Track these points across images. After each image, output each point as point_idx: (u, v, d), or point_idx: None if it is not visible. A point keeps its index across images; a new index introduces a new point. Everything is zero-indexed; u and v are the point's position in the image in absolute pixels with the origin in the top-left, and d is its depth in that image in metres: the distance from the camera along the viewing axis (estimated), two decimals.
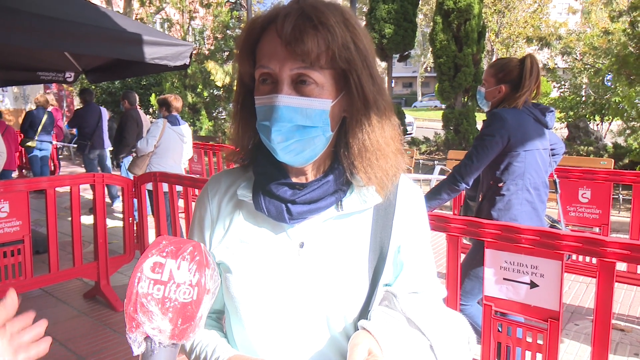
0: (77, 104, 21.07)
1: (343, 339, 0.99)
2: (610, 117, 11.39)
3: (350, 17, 0.94)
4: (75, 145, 9.06)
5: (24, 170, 11.46)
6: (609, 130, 11.99)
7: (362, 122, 0.96)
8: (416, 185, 1.12)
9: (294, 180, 1.01)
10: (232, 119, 1.08)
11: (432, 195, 2.77)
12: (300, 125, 0.91)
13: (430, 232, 2.66)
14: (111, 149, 8.02)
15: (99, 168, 8.23)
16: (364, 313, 0.98)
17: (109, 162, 8.41)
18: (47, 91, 15.15)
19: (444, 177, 2.83)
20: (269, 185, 0.99)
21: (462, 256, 2.72)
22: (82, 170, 12.43)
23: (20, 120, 9.17)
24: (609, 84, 11.62)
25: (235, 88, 1.06)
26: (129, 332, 0.71)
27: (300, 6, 0.91)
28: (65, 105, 21.38)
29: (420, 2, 16.78)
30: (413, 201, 1.09)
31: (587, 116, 11.54)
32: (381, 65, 16.68)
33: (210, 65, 13.24)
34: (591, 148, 10.16)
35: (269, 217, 0.99)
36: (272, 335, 1.00)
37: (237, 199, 1.05)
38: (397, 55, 15.16)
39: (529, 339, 2.33)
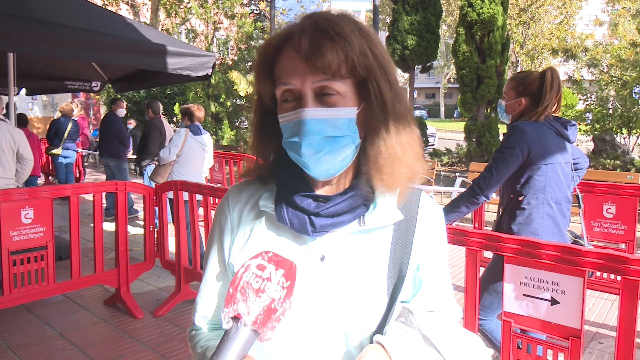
0: (103, 112, 21.49)
1: (358, 353, 0.98)
2: (638, 130, 11.16)
3: (362, 25, 0.95)
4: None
5: (50, 177, 11.69)
6: (637, 144, 11.75)
7: (379, 128, 0.96)
8: (437, 203, 1.11)
9: (318, 192, 1.01)
10: (251, 138, 1.09)
11: (452, 208, 2.74)
12: (329, 136, 0.91)
13: (449, 246, 2.63)
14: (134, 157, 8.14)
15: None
16: (381, 329, 0.98)
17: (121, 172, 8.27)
18: (74, 100, 15.47)
19: (465, 189, 2.80)
20: (293, 197, 0.98)
21: (481, 270, 2.69)
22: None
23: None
24: (637, 96, 11.41)
25: (253, 108, 1.07)
26: (225, 307, 0.83)
27: (313, 20, 0.92)
28: (91, 113, 21.80)
29: (443, 14, 16.76)
30: (434, 220, 1.08)
31: (613, 129, 11.33)
32: (404, 76, 16.64)
33: (234, 75, 13.39)
34: (618, 162, 9.97)
35: (291, 229, 0.98)
36: (288, 348, 0.99)
37: (258, 209, 1.05)
38: (420, 67, 15.13)
39: (550, 358, 2.28)
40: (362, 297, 0.98)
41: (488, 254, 3.45)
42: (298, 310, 0.97)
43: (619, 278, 2.03)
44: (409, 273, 1.02)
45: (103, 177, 13.02)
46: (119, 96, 9.43)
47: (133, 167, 11.92)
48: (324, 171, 0.95)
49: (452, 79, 40.82)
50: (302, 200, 0.98)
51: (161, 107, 7.60)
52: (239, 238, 1.05)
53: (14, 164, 4.75)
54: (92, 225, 4.44)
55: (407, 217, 1.02)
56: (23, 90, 8.26)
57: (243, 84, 13.56)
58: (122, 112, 8.09)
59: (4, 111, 5.06)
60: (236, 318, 0.83)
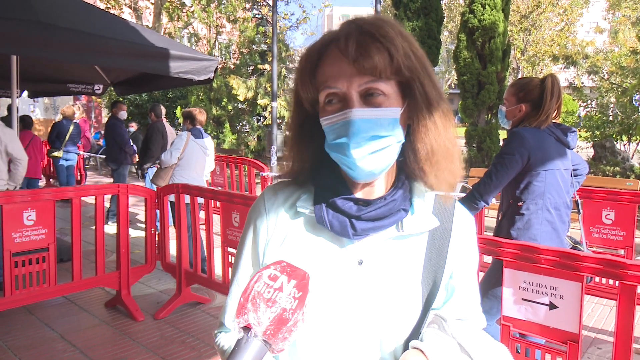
0: (105, 115, 21.52)
1: (392, 359, 0.99)
2: (637, 137, 11.18)
3: (402, 29, 0.97)
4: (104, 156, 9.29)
5: (51, 180, 11.71)
6: (637, 151, 11.77)
7: (429, 127, 0.97)
8: (469, 213, 1.12)
9: (359, 196, 1.02)
10: (288, 143, 1.09)
11: None
12: (376, 135, 0.93)
13: None
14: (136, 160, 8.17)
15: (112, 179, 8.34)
16: (414, 336, 0.98)
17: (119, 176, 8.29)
18: (76, 102, 15.50)
19: (465, 194, 2.82)
20: (334, 199, 0.99)
21: (481, 275, 2.70)
22: (108, 180, 12.68)
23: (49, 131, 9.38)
24: (637, 103, 11.44)
25: (291, 114, 1.08)
26: (235, 317, 0.84)
27: (357, 25, 0.94)
28: (93, 116, 21.83)
29: (445, 20, 16.80)
30: (468, 229, 1.09)
31: (613, 136, 11.35)
32: None
33: (234, 80, 13.41)
34: (617, 168, 9.98)
35: (331, 231, 0.99)
36: (323, 352, 0.99)
37: (295, 210, 1.05)
38: None
39: None
40: (398, 303, 0.98)
41: (487, 259, 3.47)
42: (334, 313, 0.97)
43: (617, 283, 2.05)
44: (443, 280, 1.02)
45: (104, 179, 13.07)
46: (120, 99, 9.43)
47: (135, 170, 11.95)
48: (369, 171, 0.95)
49: (453, 85, 40.80)
50: (343, 203, 0.98)
51: (164, 110, 7.63)
52: (274, 238, 1.05)
53: (5, 164, 4.76)
54: (93, 227, 4.46)
55: (442, 225, 1.03)
56: (25, 93, 8.27)
57: (242, 89, 13.58)
58: (123, 114, 8.11)
59: None
60: (247, 328, 0.84)
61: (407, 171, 1.02)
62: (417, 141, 0.98)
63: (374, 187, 1.02)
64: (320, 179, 1.04)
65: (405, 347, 0.97)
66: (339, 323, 0.97)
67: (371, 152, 0.93)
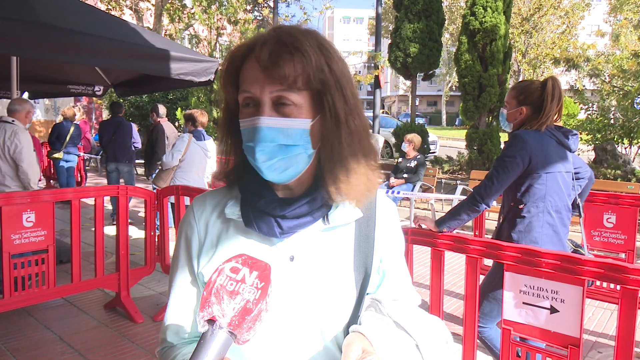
0: (105, 116, 21.53)
1: (334, 347, 1.03)
2: (639, 140, 11.17)
3: (324, 42, 1.00)
4: (100, 157, 9.27)
5: (51, 181, 11.71)
6: (638, 154, 11.76)
7: (333, 141, 1.00)
8: (391, 201, 1.19)
9: (281, 196, 1.06)
10: (219, 141, 1.13)
11: (452, 216, 2.74)
12: (282, 144, 0.96)
13: (449, 253, 2.62)
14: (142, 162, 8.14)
15: (122, 181, 8.28)
16: (353, 321, 1.03)
17: (128, 177, 8.20)
18: (76, 104, 15.51)
19: (466, 197, 2.81)
20: (259, 202, 1.03)
21: (481, 278, 2.69)
22: None
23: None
24: (639, 107, 11.43)
25: (221, 113, 1.11)
26: (199, 311, 0.85)
27: (276, 33, 0.97)
28: (94, 117, 21.85)
29: (446, 22, 16.80)
30: (390, 215, 1.16)
31: (615, 139, 11.34)
32: (406, 83, 16.67)
33: None
34: (619, 172, 9.96)
35: (259, 233, 1.02)
36: (266, 349, 1.02)
37: (224, 217, 1.09)
38: (422, 74, 15.17)
39: None
40: (334, 292, 1.03)
41: (488, 262, 3.45)
42: (273, 311, 1.00)
43: (618, 287, 2.04)
44: (374, 265, 1.08)
45: (104, 181, 13.05)
46: (120, 100, 9.44)
47: (138, 171, 11.93)
48: (277, 177, 1.00)
49: (454, 87, 40.90)
50: (267, 204, 1.02)
51: (165, 110, 7.61)
52: (207, 247, 1.08)
53: (12, 168, 4.80)
54: (93, 229, 4.45)
55: (366, 214, 1.09)
56: (26, 94, 8.29)
57: None
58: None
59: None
60: (212, 321, 0.84)
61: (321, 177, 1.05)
62: (322, 153, 1.02)
63: (294, 187, 1.06)
64: (245, 183, 1.07)
65: (346, 333, 1.01)
66: (279, 319, 1.01)
67: (277, 160, 0.97)
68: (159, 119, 7.28)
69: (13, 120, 4.82)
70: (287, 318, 1.01)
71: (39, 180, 5.13)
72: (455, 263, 5.60)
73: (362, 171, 1.03)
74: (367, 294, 1.08)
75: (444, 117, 47.32)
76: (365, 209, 1.08)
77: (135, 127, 8.56)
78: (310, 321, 1.01)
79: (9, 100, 5.12)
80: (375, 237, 1.09)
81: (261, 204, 1.02)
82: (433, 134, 19.80)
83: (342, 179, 1.01)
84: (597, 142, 11.43)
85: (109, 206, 7.66)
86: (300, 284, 1.02)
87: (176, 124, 15.08)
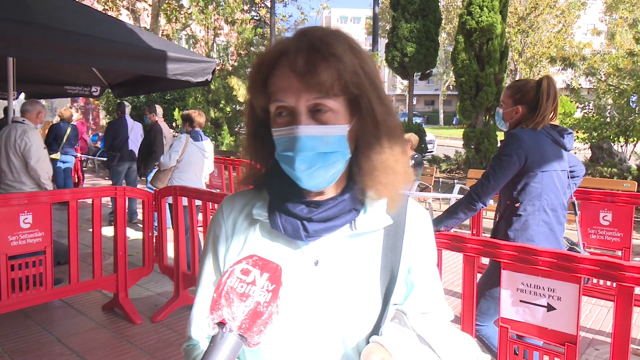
0: (102, 117, 21.49)
1: (355, 355, 1.00)
2: (635, 138, 11.20)
3: (354, 43, 0.98)
4: (104, 158, 9.24)
5: None
6: (634, 152, 11.79)
7: (373, 143, 0.99)
8: (424, 208, 1.15)
9: (310, 199, 1.03)
10: (244, 147, 1.12)
11: (449, 215, 2.75)
12: (321, 152, 0.94)
13: (446, 252, 2.63)
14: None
15: (124, 181, 8.28)
16: (376, 331, 1.00)
17: (135, 176, 8.28)
18: (73, 105, 15.46)
19: (463, 196, 2.82)
20: (286, 204, 1.01)
21: (479, 276, 2.70)
22: (105, 182, 12.65)
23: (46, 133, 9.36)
24: (634, 105, 11.45)
25: (246, 120, 1.09)
26: (209, 314, 0.84)
27: (308, 39, 0.95)
28: (90, 118, 21.80)
29: (442, 21, 16.83)
30: (421, 223, 1.12)
31: (611, 137, 11.37)
32: (403, 82, 16.68)
33: (234, 81, 13.39)
34: (615, 170, 9.99)
35: (285, 235, 1.01)
36: (286, 352, 1.01)
37: (252, 218, 1.08)
38: (419, 74, 15.18)
39: None
40: (357, 300, 1.00)
41: (485, 260, 3.47)
42: (294, 314, 0.99)
43: (614, 285, 2.05)
44: (400, 275, 1.05)
45: (102, 182, 13.03)
46: (119, 101, 9.43)
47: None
48: (316, 185, 0.98)
49: (451, 86, 40.90)
50: (295, 206, 1.01)
51: (161, 110, 7.59)
52: (233, 247, 1.08)
53: (23, 167, 4.90)
54: (90, 230, 4.45)
55: (396, 222, 1.06)
56: (22, 95, 8.26)
57: (242, 90, 13.55)
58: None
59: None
60: (222, 324, 0.84)
61: (355, 180, 1.04)
62: (361, 156, 1.00)
63: (326, 191, 1.04)
64: (273, 185, 1.06)
65: (368, 342, 0.98)
66: (300, 323, 0.99)
67: (316, 168, 0.95)
68: (157, 118, 7.26)
69: (24, 120, 5.02)
70: (308, 322, 1.00)
71: (52, 181, 5.20)
72: (452, 262, 5.61)
73: (401, 170, 1.02)
74: (394, 304, 1.05)
75: (441, 116, 47.36)
76: (395, 216, 1.06)
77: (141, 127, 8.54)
78: (332, 326, 1.00)
79: (4, 101, 5.18)
80: (403, 247, 1.06)
81: (288, 206, 1.01)
82: (430, 133, 19.85)
83: (382, 180, 1.00)
84: (593, 141, 11.46)
85: (109, 205, 7.65)
86: (323, 289, 1.00)
87: (174, 124, 15.08)
